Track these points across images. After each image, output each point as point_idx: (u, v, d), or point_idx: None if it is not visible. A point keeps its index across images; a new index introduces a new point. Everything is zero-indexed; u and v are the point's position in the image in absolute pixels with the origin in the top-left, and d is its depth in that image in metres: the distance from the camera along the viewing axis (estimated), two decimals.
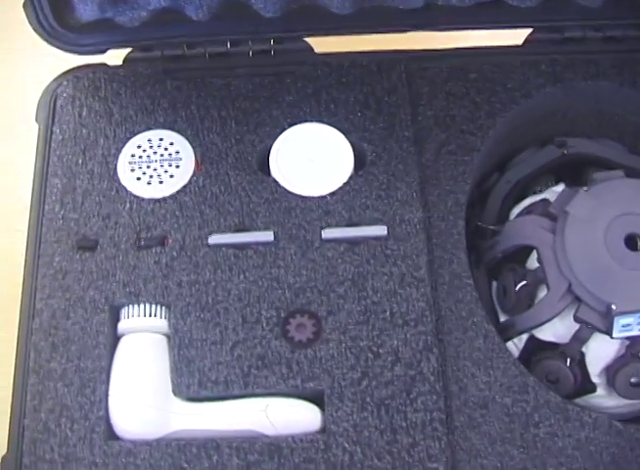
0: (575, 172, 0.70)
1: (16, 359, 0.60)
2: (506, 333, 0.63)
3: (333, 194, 0.64)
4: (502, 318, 0.66)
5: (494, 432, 0.58)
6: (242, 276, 0.61)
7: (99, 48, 0.69)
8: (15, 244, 0.67)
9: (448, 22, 0.70)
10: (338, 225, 0.63)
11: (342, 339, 0.59)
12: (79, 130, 0.67)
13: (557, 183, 0.70)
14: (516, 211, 0.69)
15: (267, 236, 0.62)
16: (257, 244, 0.62)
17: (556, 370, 0.61)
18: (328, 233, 0.63)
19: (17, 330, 0.61)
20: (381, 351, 0.59)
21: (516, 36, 0.71)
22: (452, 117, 0.68)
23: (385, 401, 0.58)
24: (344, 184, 0.65)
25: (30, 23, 0.67)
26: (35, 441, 0.57)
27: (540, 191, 0.70)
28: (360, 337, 0.60)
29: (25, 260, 0.63)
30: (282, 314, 0.60)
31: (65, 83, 0.69)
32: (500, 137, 0.69)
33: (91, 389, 0.58)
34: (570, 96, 0.70)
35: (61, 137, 0.67)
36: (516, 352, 0.64)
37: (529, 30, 0.71)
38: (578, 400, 0.62)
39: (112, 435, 0.58)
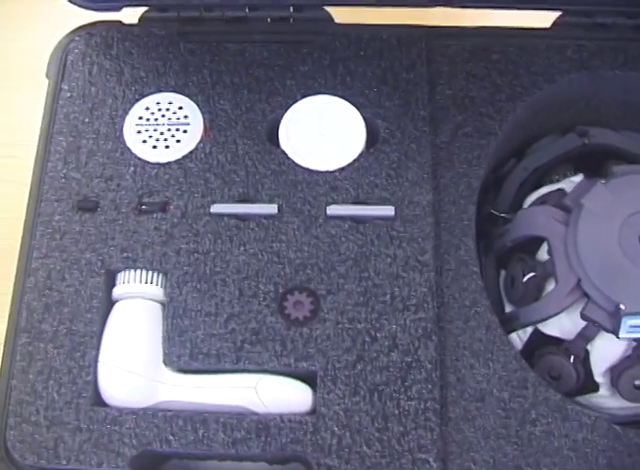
0: (595, 163, 0.68)
1: (8, 318, 0.59)
2: (510, 324, 0.61)
3: (342, 170, 0.62)
4: (508, 309, 0.64)
5: (489, 426, 0.56)
6: (242, 248, 0.60)
7: (114, 5, 0.67)
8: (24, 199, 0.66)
9: None
10: (344, 202, 0.61)
11: (339, 319, 0.58)
12: (88, 88, 0.65)
13: (575, 173, 0.68)
14: (530, 199, 0.67)
15: (271, 208, 0.61)
16: (260, 216, 0.61)
17: (559, 367, 0.60)
18: (333, 210, 0.61)
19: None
20: (378, 335, 0.58)
21: (543, 19, 0.69)
22: (471, 99, 0.65)
23: (378, 387, 0.56)
24: (354, 161, 0.63)
25: None
26: (22, 402, 0.56)
27: (557, 180, 0.68)
28: (358, 319, 0.58)
29: (25, 218, 0.61)
30: (280, 290, 0.59)
31: (77, 39, 0.67)
32: (519, 122, 0.66)
33: (81, 353, 0.57)
34: (595, 84, 0.67)
35: (69, 94, 0.65)
36: (519, 345, 0.62)
37: (558, 13, 0.68)
38: (580, 399, 0.61)
39: (98, 401, 0.57)
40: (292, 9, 0.68)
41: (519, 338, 0.62)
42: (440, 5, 0.67)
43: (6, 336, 0.58)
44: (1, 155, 0.81)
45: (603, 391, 0.60)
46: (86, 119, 0.64)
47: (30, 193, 0.62)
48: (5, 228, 0.75)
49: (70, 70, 0.66)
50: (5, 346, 0.58)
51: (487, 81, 0.66)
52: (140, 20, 0.68)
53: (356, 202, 0.61)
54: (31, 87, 0.69)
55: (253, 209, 0.61)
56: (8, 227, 0.74)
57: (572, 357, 0.60)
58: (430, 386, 0.56)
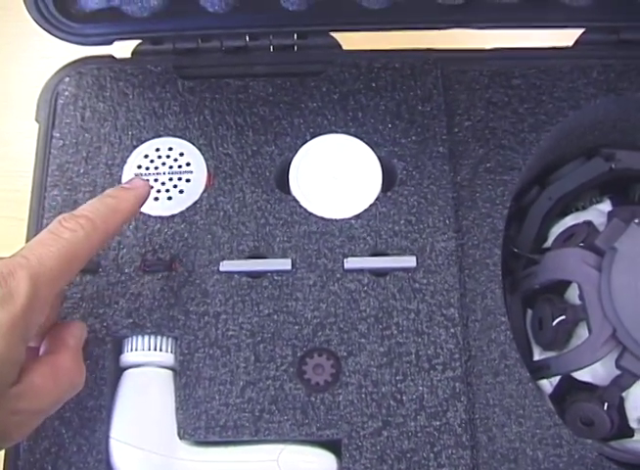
0: (623, 188, 0.65)
1: None
2: (540, 373, 0.58)
3: (358, 217, 0.58)
4: (536, 350, 0.61)
5: None
6: (255, 309, 0.56)
7: (105, 39, 0.62)
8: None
9: (492, 19, 0.63)
10: (362, 253, 0.57)
11: (362, 383, 0.55)
12: (82, 135, 0.61)
13: (601, 197, 0.64)
14: (555, 230, 0.63)
15: (284, 264, 0.57)
16: (273, 272, 0.57)
17: (591, 414, 0.57)
18: (351, 263, 0.57)
19: None
20: (404, 398, 0.54)
21: (565, 36, 0.64)
22: (492, 130, 0.61)
23: (407, 454, 0.53)
24: (371, 206, 0.58)
25: (29, 10, 0.60)
26: None
27: (584, 207, 0.64)
28: (382, 381, 0.55)
29: None
30: (298, 353, 0.55)
31: (67, 80, 0.62)
32: (542, 151, 0.62)
33: (90, 429, 0.54)
34: (622, 107, 0.63)
35: (61, 143, 0.60)
36: (549, 389, 0.59)
37: (581, 31, 0.64)
38: (613, 443, 0.58)
39: None
40: (295, 36, 0.63)
41: (549, 383, 0.59)
42: (455, 27, 0.63)
43: None
44: None
45: (638, 436, 0.57)
46: (81, 170, 0.60)
47: None
48: None
49: (61, 114, 0.61)
50: None
51: (509, 110, 0.62)
52: (133, 53, 0.64)
53: (375, 252, 0.57)
54: (25, 117, 0.65)
55: (266, 265, 0.57)
56: None
57: (606, 404, 0.57)
58: (460, 450, 0.53)
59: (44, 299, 0.44)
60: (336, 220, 0.58)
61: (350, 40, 0.64)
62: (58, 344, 0.48)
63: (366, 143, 0.60)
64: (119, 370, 0.56)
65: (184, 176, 0.59)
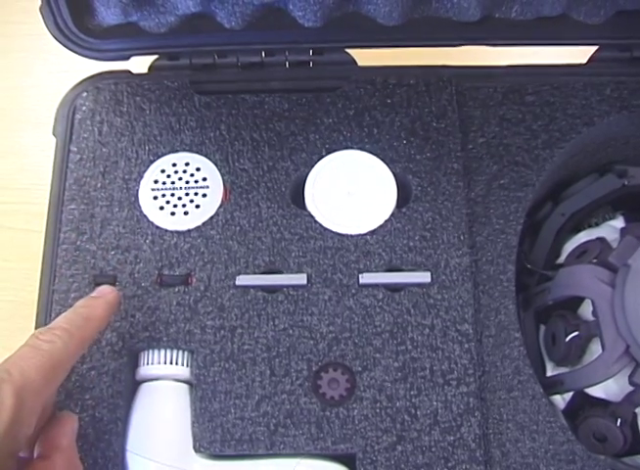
0: (636, 204, 0.65)
1: None
2: (553, 388, 0.59)
3: (373, 233, 0.59)
4: (548, 366, 0.61)
5: None
6: (271, 323, 0.56)
7: (122, 54, 0.63)
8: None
9: (506, 36, 0.63)
10: (377, 268, 0.58)
11: (377, 397, 0.55)
12: (99, 150, 0.61)
13: (614, 213, 0.65)
14: (569, 247, 0.64)
15: (300, 279, 0.57)
16: (289, 287, 0.57)
17: (604, 429, 0.57)
18: (366, 278, 0.57)
19: None
20: (418, 412, 0.55)
21: (579, 54, 0.65)
22: (506, 147, 0.62)
23: (421, 469, 0.54)
24: (386, 222, 0.59)
25: (47, 25, 0.61)
26: None
27: (596, 224, 0.65)
28: (397, 396, 0.55)
29: (39, 295, 0.58)
30: (313, 368, 0.56)
31: (84, 95, 0.63)
32: (556, 167, 0.63)
33: (106, 443, 0.54)
34: (635, 124, 0.63)
35: (79, 157, 0.61)
36: (562, 405, 0.59)
37: (594, 48, 0.64)
38: (626, 459, 0.58)
39: None
40: (311, 52, 0.64)
41: (561, 398, 0.60)
42: (470, 44, 0.63)
43: None
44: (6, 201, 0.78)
45: None
46: (98, 185, 0.60)
47: (43, 268, 0.58)
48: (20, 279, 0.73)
49: (79, 129, 0.62)
50: None
51: (522, 127, 0.62)
52: (150, 68, 0.64)
53: (389, 268, 0.58)
54: (42, 131, 0.66)
55: (282, 280, 0.57)
56: (21, 278, 0.72)
57: (619, 420, 0.57)
58: (474, 465, 0.54)
59: (30, 411, 0.44)
60: (351, 236, 0.59)
61: (366, 56, 0.64)
62: (50, 447, 0.48)
63: (381, 159, 0.61)
64: (135, 383, 0.56)
65: (200, 191, 0.60)
